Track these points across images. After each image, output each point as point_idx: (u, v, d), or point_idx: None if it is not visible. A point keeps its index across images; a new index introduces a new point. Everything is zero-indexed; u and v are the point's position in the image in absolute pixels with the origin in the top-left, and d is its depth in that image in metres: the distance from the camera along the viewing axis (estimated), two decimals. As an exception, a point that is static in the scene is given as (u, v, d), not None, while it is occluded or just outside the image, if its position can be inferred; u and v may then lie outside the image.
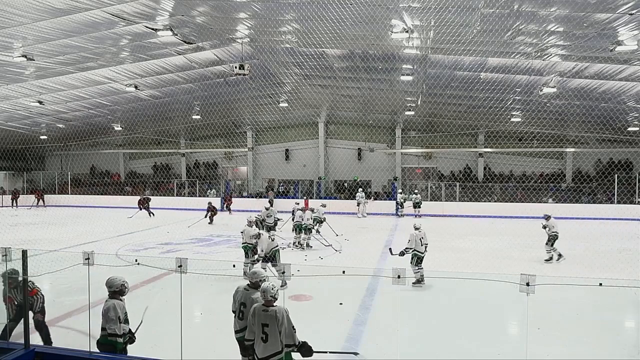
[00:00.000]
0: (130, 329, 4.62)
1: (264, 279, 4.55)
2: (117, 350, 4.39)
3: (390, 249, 9.22)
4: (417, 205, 21.94)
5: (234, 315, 4.74)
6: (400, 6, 10.98)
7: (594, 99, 17.03)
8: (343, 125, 27.15)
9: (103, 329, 4.44)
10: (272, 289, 4.02)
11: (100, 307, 7.66)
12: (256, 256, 8.93)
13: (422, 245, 8.86)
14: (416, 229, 9.06)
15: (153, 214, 21.00)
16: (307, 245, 12.94)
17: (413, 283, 8.64)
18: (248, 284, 4.67)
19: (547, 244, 11.43)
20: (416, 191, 22.61)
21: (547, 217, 11.65)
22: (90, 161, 31.41)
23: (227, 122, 25.36)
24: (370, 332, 6.47)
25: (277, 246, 9.03)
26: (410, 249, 8.84)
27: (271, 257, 8.86)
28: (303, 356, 4.02)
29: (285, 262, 4.83)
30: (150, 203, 21.45)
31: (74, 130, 26.20)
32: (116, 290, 4.56)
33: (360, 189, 23.13)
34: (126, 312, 4.54)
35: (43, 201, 27.34)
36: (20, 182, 30.54)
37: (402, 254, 8.70)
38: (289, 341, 3.91)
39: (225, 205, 23.71)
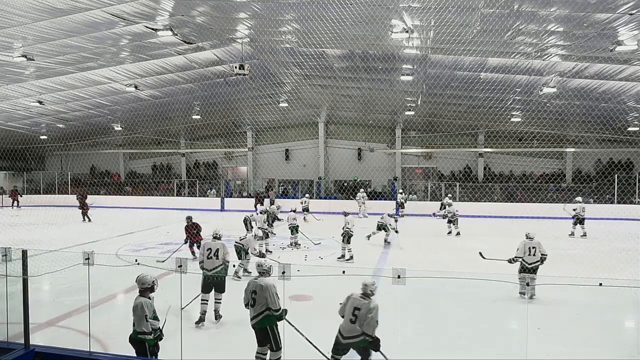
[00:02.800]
0: (159, 326, 4.69)
1: (270, 268, 4.98)
2: (148, 347, 4.51)
3: (480, 253, 8.65)
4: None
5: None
6: (400, 6, 10.98)
7: (594, 99, 17.03)
8: (343, 125, 27.14)
9: (134, 324, 4.58)
10: (372, 284, 4.70)
11: (100, 307, 7.67)
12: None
13: (531, 255, 8.11)
14: (528, 238, 8.25)
15: None
16: (379, 234, 13.77)
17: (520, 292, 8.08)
18: (257, 275, 5.00)
19: (344, 241, 11.47)
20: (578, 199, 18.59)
21: (346, 214, 11.95)
22: (90, 161, 31.41)
23: (227, 122, 25.36)
24: (370, 332, 6.45)
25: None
26: (519, 257, 8.18)
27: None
28: (370, 347, 4.51)
29: (285, 262, 4.84)
30: None
31: (74, 130, 26.20)
32: (147, 287, 4.68)
33: (362, 189, 23.13)
34: (154, 310, 4.63)
35: (17, 202, 26.55)
36: (20, 182, 30.52)
37: (510, 261, 8.21)
38: (368, 331, 4.46)
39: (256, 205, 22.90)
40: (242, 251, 9.24)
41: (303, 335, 5.04)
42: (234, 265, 9.11)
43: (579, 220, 15.31)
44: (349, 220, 11.51)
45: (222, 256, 7.05)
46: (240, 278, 8.95)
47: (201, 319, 6.59)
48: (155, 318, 4.63)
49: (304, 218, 20.11)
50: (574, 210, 15.44)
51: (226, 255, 7.12)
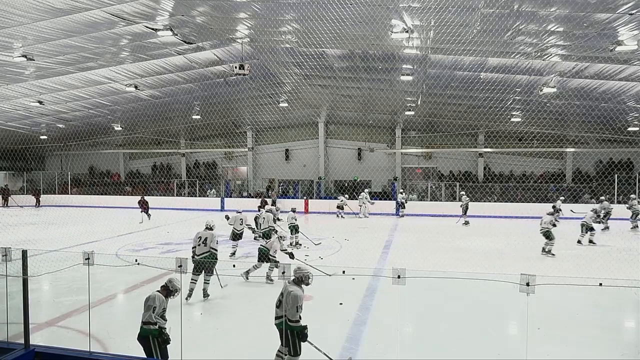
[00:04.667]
0: (164, 327, 4.69)
1: (305, 277, 4.85)
2: (153, 339, 4.50)
3: None
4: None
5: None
6: (400, 6, 10.98)
7: (594, 99, 17.03)
8: (343, 125, 27.15)
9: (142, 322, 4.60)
10: None
11: (100, 307, 7.68)
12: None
13: None
14: None
15: None
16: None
17: None
18: (293, 279, 4.91)
19: (235, 239, 11.72)
20: (461, 193, 21.14)
21: (239, 211, 12.10)
22: (90, 161, 31.42)
23: (227, 122, 25.36)
24: (370, 332, 6.47)
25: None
26: None
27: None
28: None
29: (285, 262, 4.84)
30: None
31: (74, 130, 26.21)
32: (169, 288, 4.76)
33: (366, 190, 23.19)
34: (164, 309, 4.65)
35: (38, 202, 27.36)
36: (20, 182, 30.56)
37: None
38: None
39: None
40: (265, 254, 9.06)
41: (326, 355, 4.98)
42: (232, 265, 9.12)
43: (464, 210, 18.82)
44: (235, 220, 11.77)
45: (209, 244, 8.04)
46: (272, 281, 8.86)
47: (189, 295, 7.67)
48: (163, 317, 4.65)
49: (342, 215, 21.57)
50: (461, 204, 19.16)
51: (212, 243, 8.08)
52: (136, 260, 5.02)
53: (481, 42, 12.68)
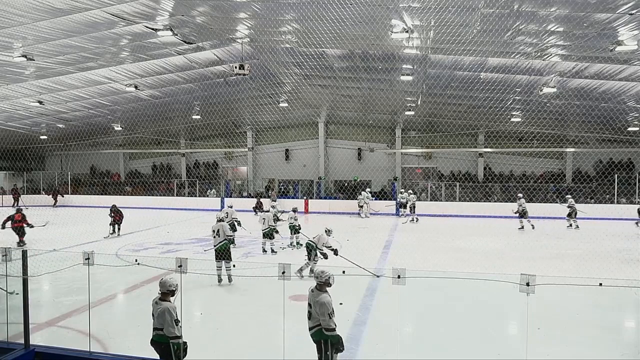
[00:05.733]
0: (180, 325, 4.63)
1: (328, 280, 4.56)
2: (175, 350, 4.37)
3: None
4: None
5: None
6: (400, 6, 10.98)
7: (594, 99, 17.02)
8: (343, 125, 27.14)
9: (156, 328, 4.44)
10: None
11: (100, 307, 7.67)
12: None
13: None
14: None
15: None
16: None
17: None
18: (316, 286, 4.61)
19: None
20: (409, 191, 22.22)
21: (230, 206, 12.82)
22: (90, 161, 31.42)
23: (227, 122, 25.36)
24: (370, 332, 6.47)
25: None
26: None
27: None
28: None
29: (285, 262, 4.83)
30: None
31: (74, 130, 26.19)
32: (168, 291, 4.49)
33: (368, 189, 23.17)
34: (176, 313, 4.55)
35: (55, 201, 27.44)
36: (20, 182, 30.56)
37: None
38: None
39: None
40: (313, 249, 9.14)
41: None
42: (232, 265, 9.13)
43: (411, 208, 20.11)
44: (221, 214, 11.96)
45: (222, 234, 8.98)
46: (302, 277, 8.91)
47: (219, 279, 8.77)
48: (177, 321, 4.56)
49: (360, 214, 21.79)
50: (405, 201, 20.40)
51: (226, 231, 9.08)
52: (136, 260, 4.99)
53: (481, 42, 12.67)
